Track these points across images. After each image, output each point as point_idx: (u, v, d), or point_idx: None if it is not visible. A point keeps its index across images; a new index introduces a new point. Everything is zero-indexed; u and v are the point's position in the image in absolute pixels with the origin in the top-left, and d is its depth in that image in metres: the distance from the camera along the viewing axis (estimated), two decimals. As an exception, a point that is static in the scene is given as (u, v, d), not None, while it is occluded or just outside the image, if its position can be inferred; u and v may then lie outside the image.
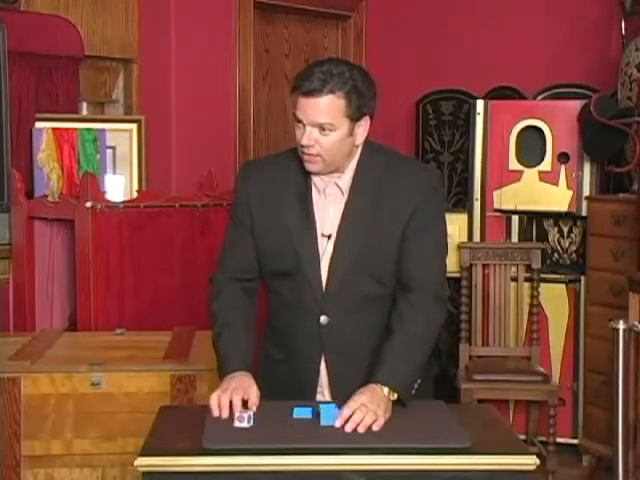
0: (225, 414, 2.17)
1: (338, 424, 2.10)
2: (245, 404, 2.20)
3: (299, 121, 2.28)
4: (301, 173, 2.38)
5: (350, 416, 2.10)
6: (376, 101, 2.35)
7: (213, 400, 2.20)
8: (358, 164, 2.38)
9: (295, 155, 2.37)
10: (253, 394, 2.21)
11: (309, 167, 2.34)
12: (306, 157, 2.31)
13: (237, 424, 2.11)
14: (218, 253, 2.51)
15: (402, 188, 2.36)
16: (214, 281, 2.47)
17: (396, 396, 2.22)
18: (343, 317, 2.35)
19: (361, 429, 2.08)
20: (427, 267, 2.36)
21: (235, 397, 2.18)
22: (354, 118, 2.28)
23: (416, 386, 2.32)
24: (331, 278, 2.35)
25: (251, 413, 2.13)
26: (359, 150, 2.37)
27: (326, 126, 2.26)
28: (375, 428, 2.09)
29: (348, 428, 2.08)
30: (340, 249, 2.35)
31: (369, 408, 2.11)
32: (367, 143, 2.39)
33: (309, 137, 2.27)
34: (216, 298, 2.44)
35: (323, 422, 2.11)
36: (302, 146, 2.29)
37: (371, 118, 2.35)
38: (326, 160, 2.31)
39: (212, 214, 4.33)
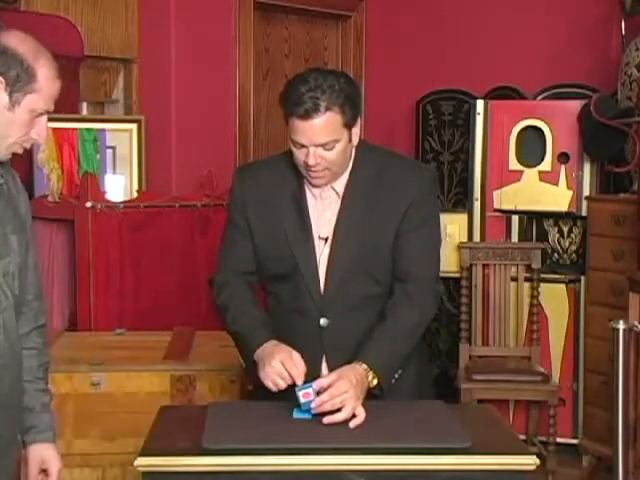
0: (284, 385, 2.18)
1: (314, 405, 2.12)
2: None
3: (301, 145, 2.27)
4: (296, 178, 2.39)
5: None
6: (362, 99, 2.36)
7: (271, 378, 2.20)
8: (353, 166, 2.39)
9: (289, 160, 2.37)
10: (299, 360, 2.21)
11: (317, 182, 2.35)
12: (313, 175, 2.32)
13: (302, 401, 2.13)
14: (217, 255, 2.52)
15: (397, 186, 2.37)
16: (215, 280, 2.47)
17: (375, 382, 2.24)
18: (343, 318, 2.36)
19: (336, 418, 2.11)
20: (422, 262, 2.38)
21: (292, 369, 2.19)
22: (350, 125, 2.30)
23: (397, 376, 2.33)
24: (329, 280, 2.36)
25: (313, 385, 2.14)
26: (353, 152, 2.38)
27: (330, 143, 2.26)
28: (351, 425, 2.11)
29: (325, 420, 2.11)
30: (337, 251, 2.36)
31: (350, 399, 2.13)
32: (361, 144, 2.40)
33: (315, 157, 2.27)
34: (221, 292, 2.45)
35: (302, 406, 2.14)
36: (308, 166, 2.29)
37: (360, 116, 2.36)
38: (333, 171, 2.33)
39: (212, 214, 4.33)
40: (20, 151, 2.00)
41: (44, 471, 2.12)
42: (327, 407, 2.12)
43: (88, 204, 3.98)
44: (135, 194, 4.44)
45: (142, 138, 4.57)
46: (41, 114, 1.96)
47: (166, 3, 4.71)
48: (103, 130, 4.45)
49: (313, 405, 2.13)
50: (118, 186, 4.41)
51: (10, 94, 1.90)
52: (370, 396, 2.25)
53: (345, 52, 5.63)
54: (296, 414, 2.16)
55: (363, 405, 2.16)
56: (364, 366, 2.23)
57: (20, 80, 1.90)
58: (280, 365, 2.20)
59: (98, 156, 4.41)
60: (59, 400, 3.06)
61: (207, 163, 4.58)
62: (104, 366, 3.14)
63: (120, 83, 4.83)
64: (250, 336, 2.33)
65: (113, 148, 4.52)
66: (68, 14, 4.48)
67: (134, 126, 4.58)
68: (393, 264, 2.38)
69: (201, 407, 2.35)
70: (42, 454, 2.10)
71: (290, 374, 2.19)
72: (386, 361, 2.28)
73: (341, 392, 2.13)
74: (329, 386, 2.14)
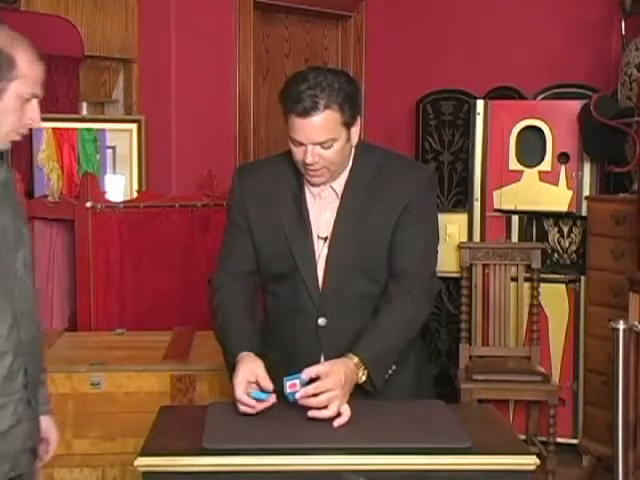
0: (254, 409, 2.17)
1: (298, 396, 2.13)
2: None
3: (300, 143, 2.28)
4: (295, 177, 2.40)
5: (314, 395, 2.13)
6: (361, 98, 2.36)
7: (241, 407, 2.19)
8: (352, 166, 2.39)
9: (289, 159, 2.37)
10: (260, 373, 2.19)
11: (315, 181, 2.35)
12: (311, 173, 2.32)
13: (288, 391, 2.14)
14: (217, 255, 2.52)
15: (396, 185, 2.38)
16: (213, 280, 2.47)
17: (365, 378, 2.23)
18: (341, 318, 2.36)
19: (320, 414, 2.11)
20: (416, 259, 2.38)
21: (242, 394, 2.17)
22: (349, 124, 2.30)
23: (390, 372, 2.32)
24: (327, 280, 2.36)
25: (302, 375, 2.14)
26: (353, 152, 2.38)
27: (328, 142, 2.26)
28: (335, 425, 2.10)
29: (309, 414, 2.12)
30: (335, 250, 2.36)
31: (336, 398, 2.13)
32: (361, 144, 2.41)
33: (312, 155, 2.27)
34: (217, 293, 2.45)
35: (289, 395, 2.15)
36: (306, 164, 2.29)
37: (360, 116, 2.36)
38: (331, 170, 2.33)
39: (212, 214, 4.33)
40: (18, 138, 2.07)
41: (44, 440, 2.26)
42: (313, 403, 2.12)
43: (88, 204, 3.98)
44: (135, 194, 4.44)
45: (142, 138, 4.57)
46: (29, 99, 2.03)
47: (166, 3, 4.71)
48: (103, 130, 4.46)
49: (297, 396, 2.13)
50: (118, 186, 4.41)
51: None
52: (363, 392, 2.25)
53: (345, 52, 5.63)
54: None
55: (356, 403, 2.16)
56: (355, 360, 2.22)
57: (2, 69, 1.98)
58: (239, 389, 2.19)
59: (98, 156, 4.41)
60: (59, 400, 3.07)
61: (207, 163, 4.58)
62: (104, 366, 3.14)
63: (120, 83, 4.83)
64: (228, 348, 2.33)
65: (113, 148, 4.52)
66: (68, 14, 4.49)
67: (134, 126, 4.58)
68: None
69: (201, 407, 2.35)
70: (43, 424, 2.24)
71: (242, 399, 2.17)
72: (378, 357, 2.27)
73: (328, 389, 2.12)
74: (317, 377, 2.14)
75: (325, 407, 2.12)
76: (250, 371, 2.19)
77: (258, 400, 2.16)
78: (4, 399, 2.02)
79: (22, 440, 2.07)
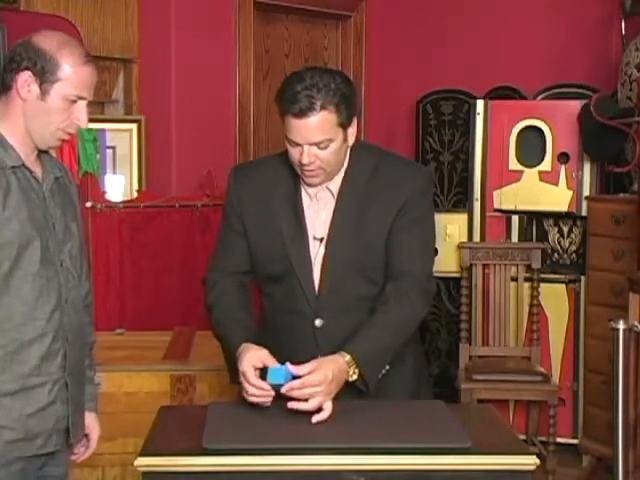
0: (264, 399, 2.17)
1: (284, 390, 2.13)
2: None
3: (296, 143, 2.27)
4: (292, 178, 2.39)
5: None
6: (358, 99, 2.35)
7: (251, 398, 2.19)
8: (348, 166, 2.39)
9: (286, 160, 2.37)
10: (265, 356, 2.20)
11: (311, 181, 2.35)
12: (307, 173, 2.32)
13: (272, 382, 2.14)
14: (211, 254, 2.52)
15: (392, 186, 2.37)
16: (207, 280, 2.47)
17: (356, 376, 2.23)
18: (338, 319, 2.36)
19: (300, 406, 2.12)
20: (413, 260, 2.37)
21: (253, 379, 2.17)
22: (345, 125, 2.29)
23: (384, 372, 2.32)
24: (324, 281, 2.36)
25: (294, 372, 2.14)
26: (348, 152, 2.38)
27: (324, 142, 2.26)
28: (313, 420, 2.11)
29: (289, 405, 2.12)
30: (331, 252, 2.35)
31: (320, 394, 2.13)
32: (357, 144, 2.40)
33: (309, 155, 2.27)
34: (211, 292, 2.45)
35: (271, 380, 2.14)
36: (303, 164, 2.29)
37: (357, 117, 2.36)
38: (327, 170, 2.33)
39: (212, 214, 4.33)
40: (66, 137, 2.18)
41: (85, 436, 2.36)
42: (295, 395, 2.12)
43: (88, 204, 3.99)
44: (135, 194, 4.45)
45: (142, 138, 4.57)
46: (75, 100, 2.15)
47: (166, 3, 4.71)
48: (103, 130, 4.45)
49: (283, 390, 2.13)
50: (118, 186, 4.41)
51: (40, 85, 2.10)
52: (360, 392, 2.26)
53: (345, 52, 5.63)
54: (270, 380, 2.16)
55: (355, 403, 2.17)
56: (347, 358, 2.21)
57: (46, 71, 2.10)
58: (242, 377, 2.19)
59: (98, 156, 4.40)
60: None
61: (207, 163, 4.58)
62: (104, 366, 3.13)
63: (120, 83, 4.83)
64: (228, 340, 2.32)
65: (113, 148, 4.52)
66: (68, 14, 4.48)
67: (134, 126, 4.57)
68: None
69: (201, 407, 2.36)
70: (87, 420, 2.34)
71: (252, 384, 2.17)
72: (371, 356, 2.26)
73: (313, 384, 2.13)
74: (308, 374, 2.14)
75: (306, 400, 2.12)
76: (257, 357, 2.19)
77: (276, 386, 2.15)
78: (43, 378, 2.13)
79: (55, 419, 2.16)
